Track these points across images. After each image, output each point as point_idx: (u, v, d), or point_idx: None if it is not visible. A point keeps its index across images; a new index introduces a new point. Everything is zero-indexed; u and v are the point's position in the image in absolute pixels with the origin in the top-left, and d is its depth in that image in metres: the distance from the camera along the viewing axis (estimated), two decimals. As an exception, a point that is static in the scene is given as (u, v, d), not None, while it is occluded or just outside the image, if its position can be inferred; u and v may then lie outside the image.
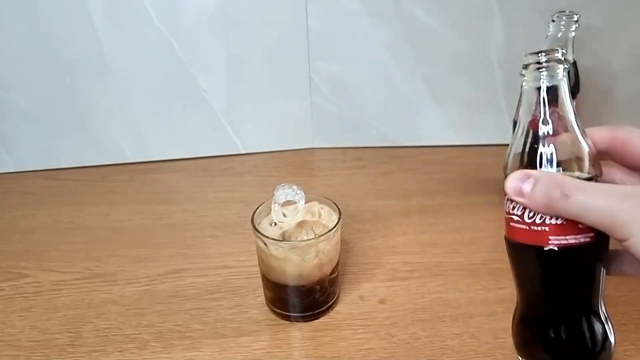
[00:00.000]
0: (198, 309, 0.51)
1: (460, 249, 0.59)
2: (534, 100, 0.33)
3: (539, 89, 0.33)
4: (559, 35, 0.58)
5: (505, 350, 0.45)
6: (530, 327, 0.38)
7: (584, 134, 0.33)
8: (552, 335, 0.36)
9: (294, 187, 0.47)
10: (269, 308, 0.50)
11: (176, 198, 0.70)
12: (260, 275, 0.49)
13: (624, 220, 0.29)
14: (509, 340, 0.46)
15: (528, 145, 0.34)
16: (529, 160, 0.34)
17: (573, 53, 0.59)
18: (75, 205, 0.69)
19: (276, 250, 0.45)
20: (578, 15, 0.57)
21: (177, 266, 0.57)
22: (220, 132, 0.78)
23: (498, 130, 0.78)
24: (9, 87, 0.71)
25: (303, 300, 0.47)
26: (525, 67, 0.34)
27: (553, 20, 0.58)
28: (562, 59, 0.33)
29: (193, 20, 0.71)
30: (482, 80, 0.77)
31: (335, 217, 0.48)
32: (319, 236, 0.45)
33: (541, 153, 0.33)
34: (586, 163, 0.33)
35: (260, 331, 0.48)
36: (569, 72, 0.34)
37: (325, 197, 0.50)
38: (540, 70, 0.33)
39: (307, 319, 0.49)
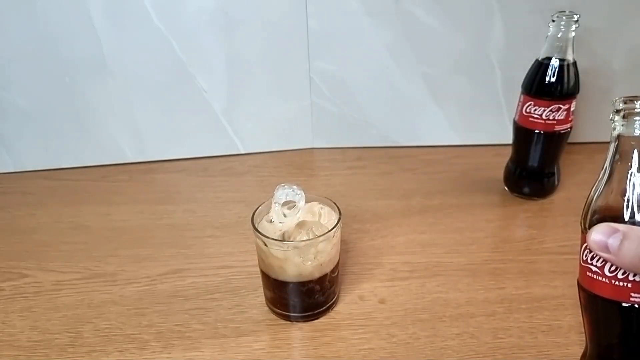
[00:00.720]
0: (198, 309, 0.51)
1: (460, 249, 0.59)
2: (623, 147, 0.32)
3: (629, 137, 0.32)
4: (559, 35, 0.58)
5: (505, 350, 0.45)
6: None
7: None
8: None
9: (294, 187, 0.47)
10: (269, 308, 0.50)
11: (176, 198, 0.70)
12: (260, 275, 0.49)
13: None
14: (509, 340, 0.46)
15: (611, 191, 0.32)
16: (612, 206, 0.32)
17: (573, 53, 0.59)
18: (75, 205, 0.69)
19: (276, 250, 0.45)
20: (578, 15, 0.57)
21: (177, 266, 0.57)
22: (220, 132, 0.78)
23: (498, 130, 0.78)
24: (9, 87, 0.71)
25: (303, 300, 0.48)
26: (617, 112, 0.32)
27: (553, 20, 0.58)
28: None
29: (193, 20, 0.71)
30: (482, 80, 0.77)
31: (335, 217, 0.48)
32: (319, 236, 0.45)
33: (628, 200, 0.31)
34: None
35: (260, 331, 0.48)
36: None
37: (325, 197, 0.50)
38: (634, 118, 0.31)
39: (307, 319, 0.49)
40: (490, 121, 0.79)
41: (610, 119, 0.33)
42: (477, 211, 0.65)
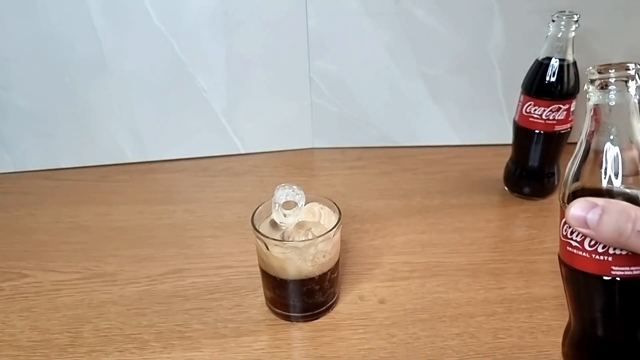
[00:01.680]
0: (198, 309, 0.51)
1: (460, 249, 0.59)
2: (599, 117, 0.31)
3: (605, 106, 0.31)
4: (559, 35, 0.58)
5: (505, 350, 0.45)
6: (585, 352, 0.37)
7: None
8: None
9: (294, 187, 0.47)
10: (269, 308, 0.50)
11: (176, 198, 0.70)
12: (260, 275, 0.49)
13: None
14: (509, 340, 0.46)
15: (589, 162, 0.32)
16: (590, 177, 0.32)
17: (573, 53, 0.59)
18: (75, 205, 0.69)
19: (276, 251, 0.45)
20: (578, 15, 0.57)
21: (177, 266, 0.57)
22: (220, 132, 0.78)
23: (498, 130, 0.78)
24: (9, 87, 0.71)
25: (303, 300, 0.48)
26: (592, 82, 0.31)
27: (553, 20, 0.58)
28: (634, 74, 0.31)
29: (193, 20, 0.71)
30: (482, 80, 0.77)
31: (335, 218, 0.48)
32: (319, 236, 0.45)
33: (605, 170, 0.31)
34: None
35: (260, 331, 0.48)
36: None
37: (325, 197, 0.50)
38: (608, 88, 0.31)
39: (307, 319, 0.49)
40: (490, 121, 0.79)
41: (585, 90, 0.32)
42: (477, 211, 0.65)
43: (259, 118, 0.79)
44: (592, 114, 0.32)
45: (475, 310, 0.50)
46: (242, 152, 0.81)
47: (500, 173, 0.70)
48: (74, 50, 0.70)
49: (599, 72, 0.31)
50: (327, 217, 0.49)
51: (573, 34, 0.58)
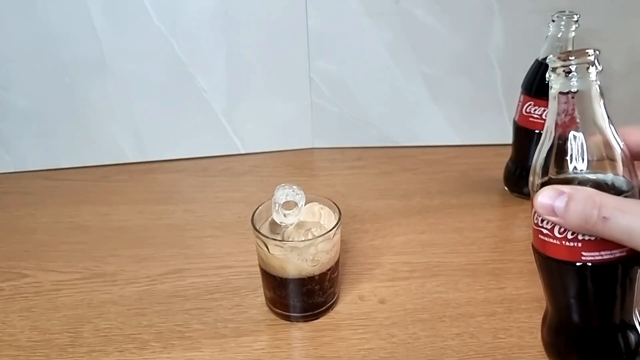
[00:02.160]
0: (198, 309, 0.51)
1: (460, 249, 0.59)
2: (563, 105, 0.32)
3: (567, 93, 0.31)
4: (559, 35, 0.58)
5: (505, 350, 0.45)
6: (562, 337, 0.37)
7: (616, 136, 0.32)
8: (586, 346, 0.35)
9: (294, 187, 0.47)
10: (269, 308, 0.50)
11: (176, 198, 0.70)
12: (260, 276, 0.49)
13: None
14: (509, 340, 0.46)
15: (555, 150, 0.32)
16: (557, 165, 0.32)
17: (573, 53, 0.59)
18: (75, 205, 0.69)
19: (276, 251, 0.45)
20: (578, 15, 0.57)
21: (177, 266, 0.57)
22: (220, 132, 0.78)
23: (498, 130, 0.78)
24: (9, 87, 0.71)
25: (303, 300, 0.48)
26: (553, 70, 0.32)
27: (553, 20, 0.58)
28: (594, 60, 0.31)
29: (193, 20, 0.71)
30: (482, 80, 0.77)
31: (335, 218, 0.48)
32: (319, 236, 0.45)
33: (571, 157, 0.31)
34: (619, 166, 0.31)
35: (260, 331, 0.48)
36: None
37: (325, 197, 0.50)
38: (570, 75, 0.31)
39: (307, 319, 0.49)
40: (490, 121, 0.79)
41: (547, 78, 0.32)
42: (477, 211, 0.65)
43: (259, 118, 0.79)
44: (555, 101, 0.32)
45: (475, 310, 0.50)
46: (242, 152, 0.81)
47: (500, 173, 0.70)
48: (74, 50, 0.70)
49: (560, 60, 0.31)
50: (327, 217, 0.49)
51: (573, 34, 0.58)
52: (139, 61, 0.72)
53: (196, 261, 0.58)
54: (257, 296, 0.52)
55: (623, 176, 0.31)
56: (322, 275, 0.47)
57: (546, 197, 0.31)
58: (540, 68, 0.60)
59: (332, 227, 0.46)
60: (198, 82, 0.75)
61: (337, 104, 0.78)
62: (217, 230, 0.63)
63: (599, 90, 0.31)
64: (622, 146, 0.32)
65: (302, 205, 0.47)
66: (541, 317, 0.49)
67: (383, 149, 0.81)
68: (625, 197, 0.31)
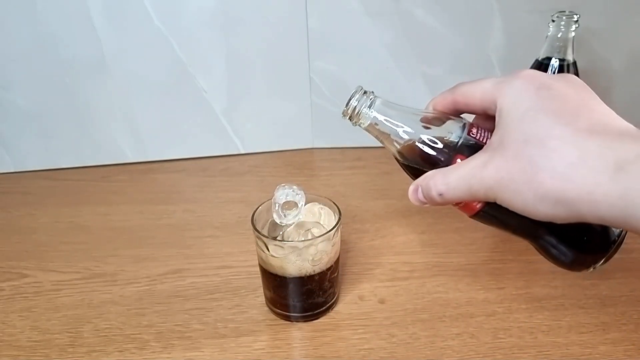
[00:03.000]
0: (198, 309, 0.51)
1: (460, 249, 0.59)
2: (375, 134, 0.41)
3: (374, 123, 0.39)
4: (559, 35, 0.58)
5: (505, 350, 0.45)
6: (543, 252, 0.39)
7: (426, 111, 0.39)
8: (562, 249, 0.37)
9: (294, 187, 0.47)
10: (269, 308, 0.50)
11: (176, 198, 0.70)
12: (260, 275, 0.49)
13: (488, 185, 0.32)
14: (509, 340, 0.46)
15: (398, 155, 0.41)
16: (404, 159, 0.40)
17: (573, 53, 0.59)
18: (75, 205, 0.69)
19: (276, 251, 0.45)
20: (578, 15, 0.57)
21: (177, 266, 0.57)
22: (220, 132, 0.78)
23: (498, 130, 0.78)
24: (9, 87, 0.71)
25: (303, 300, 0.48)
26: (351, 119, 0.40)
27: (553, 20, 0.58)
28: (365, 92, 0.39)
29: (193, 20, 0.71)
30: (482, 80, 0.76)
31: (335, 218, 0.48)
32: (319, 236, 0.45)
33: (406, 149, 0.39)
34: (447, 122, 0.38)
35: (260, 331, 0.48)
36: (374, 97, 0.39)
37: (325, 197, 0.50)
38: (353, 122, 0.40)
39: (307, 319, 0.49)
40: (490, 121, 0.79)
41: (355, 124, 0.40)
42: (477, 211, 0.65)
43: (258, 118, 0.79)
44: (371, 132, 0.40)
45: (475, 310, 0.50)
46: (242, 152, 0.81)
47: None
48: (74, 50, 0.70)
49: (343, 115, 0.40)
50: (327, 217, 0.49)
51: (573, 34, 0.58)
52: (139, 61, 0.72)
53: (196, 261, 0.58)
54: (257, 296, 0.52)
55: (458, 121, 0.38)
56: (322, 275, 0.47)
57: (411, 193, 0.37)
58: (540, 68, 0.60)
59: (332, 227, 0.46)
60: (198, 82, 0.75)
61: (337, 104, 0.78)
62: (217, 230, 0.63)
63: (384, 107, 0.39)
64: (431, 110, 0.39)
65: (302, 205, 0.47)
66: (541, 317, 0.49)
67: (383, 149, 0.80)
68: (458, 144, 0.36)
